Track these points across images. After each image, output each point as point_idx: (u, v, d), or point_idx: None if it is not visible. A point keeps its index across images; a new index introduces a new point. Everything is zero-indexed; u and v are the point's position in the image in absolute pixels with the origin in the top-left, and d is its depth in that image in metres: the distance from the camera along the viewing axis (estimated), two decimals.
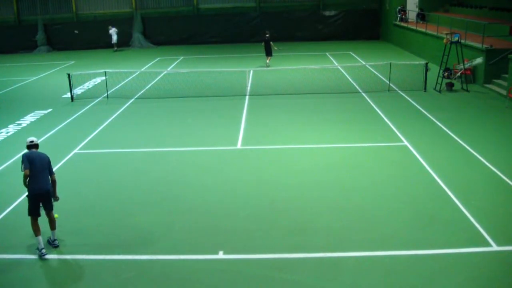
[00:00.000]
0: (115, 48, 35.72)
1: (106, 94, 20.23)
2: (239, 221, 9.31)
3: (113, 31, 35.35)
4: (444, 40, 19.99)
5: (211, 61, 29.04)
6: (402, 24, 31.72)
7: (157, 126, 15.89)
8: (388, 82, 20.27)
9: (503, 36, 21.04)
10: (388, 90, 19.67)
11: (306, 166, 11.95)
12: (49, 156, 8.64)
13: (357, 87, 20.44)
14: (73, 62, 31.35)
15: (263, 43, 25.92)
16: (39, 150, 8.63)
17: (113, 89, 21.29)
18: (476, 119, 15.68)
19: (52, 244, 8.48)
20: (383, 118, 15.82)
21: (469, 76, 20.47)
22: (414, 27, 29.15)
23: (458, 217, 9.17)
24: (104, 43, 37.44)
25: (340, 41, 36.53)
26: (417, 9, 31.53)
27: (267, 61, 25.85)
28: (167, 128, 15.67)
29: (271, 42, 25.62)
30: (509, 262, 7.75)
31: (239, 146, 13.69)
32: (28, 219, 9.59)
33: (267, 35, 25.81)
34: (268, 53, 25.68)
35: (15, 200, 10.42)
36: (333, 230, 8.85)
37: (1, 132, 15.66)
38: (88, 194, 10.75)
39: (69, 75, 19.84)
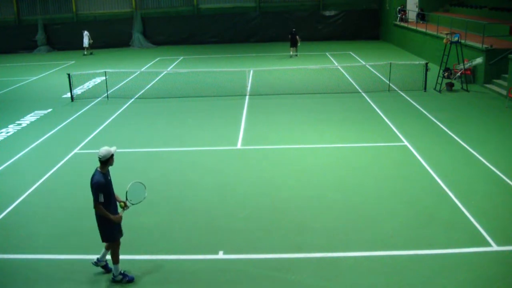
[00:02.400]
0: (85, 52, 34.38)
1: (106, 94, 20.23)
2: (239, 221, 9.30)
3: (85, 34, 34.23)
4: (444, 40, 19.99)
5: (211, 61, 29.05)
6: (402, 24, 31.72)
7: (157, 126, 15.89)
8: (388, 82, 20.27)
9: (503, 36, 21.05)
10: (388, 90, 19.67)
11: (306, 166, 11.95)
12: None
13: (357, 87, 20.44)
14: (73, 62, 31.36)
15: (290, 36, 29.91)
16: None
17: (113, 89, 21.28)
18: (476, 119, 15.68)
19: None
20: (383, 118, 15.82)
21: (469, 76, 20.47)
22: (414, 27, 29.16)
23: (458, 217, 9.17)
24: (103, 43, 37.48)
25: (340, 41, 36.55)
26: (417, 9, 31.54)
27: (291, 52, 29.99)
28: (167, 128, 15.66)
29: (297, 36, 29.59)
30: (509, 262, 7.75)
31: (239, 146, 13.69)
32: (30, 219, 9.64)
33: (294, 29, 30.29)
34: (293, 44, 29.79)
35: (15, 200, 10.43)
36: (333, 230, 8.85)
37: (1, 132, 15.66)
38: (88, 194, 10.67)
39: (69, 75, 19.84)
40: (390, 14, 34.64)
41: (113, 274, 7.51)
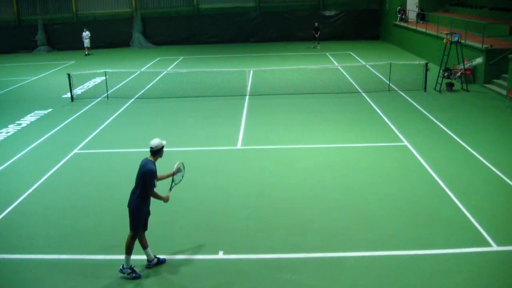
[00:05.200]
0: (87, 52, 34.09)
1: (106, 94, 20.23)
2: (239, 221, 9.31)
3: (86, 34, 33.97)
4: (444, 40, 19.98)
5: (211, 61, 29.05)
6: (402, 24, 31.72)
7: (157, 126, 15.89)
8: (388, 82, 20.27)
9: (503, 36, 21.05)
10: (388, 90, 19.67)
11: (306, 166, 11.95)
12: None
13: (357, 87, 20.44)
14: (73, 62, 31.35)
15: (313, 31, 33.37)
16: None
17: (113, 89, 21.28)
18: (476, 119, 15.68)
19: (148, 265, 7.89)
20: (383, 118, 15.82)
21: (469, 76, 20.47)
22: (414, 27, 29.16)
23: (458, 217, 9.17)
24: (103, 43, 37.47)
25: (340, 41, 36.55)
26: (417, 9, 31.54)
27: (318, 46, 33.27)
28: (167, 128, 15.67)
29: (319, 31, 33.19)
30: (509, 262, 7.75)
31: (239, 146, 13.69)
32: (30, 220, 9.64)
33: (316, 24, 33.60)
34: (316, 38, 33.31)
35: (15, 200, 10.43)
36: (333, 230, 8.85)
37: (1, 132, 15.66)
38: (88, 194, 10.75)
39: (69, 75, 19.83)
40: (390, 14, 34.63)
41: (123, 265, 7.57)
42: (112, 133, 15.30)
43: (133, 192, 7.50)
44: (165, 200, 7.70)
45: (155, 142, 7.60)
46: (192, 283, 7.45)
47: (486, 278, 7.34)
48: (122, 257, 7.73)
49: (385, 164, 11.95)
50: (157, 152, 7.60)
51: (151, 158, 7.59)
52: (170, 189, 7.86)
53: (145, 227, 7.73)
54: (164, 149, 7.83)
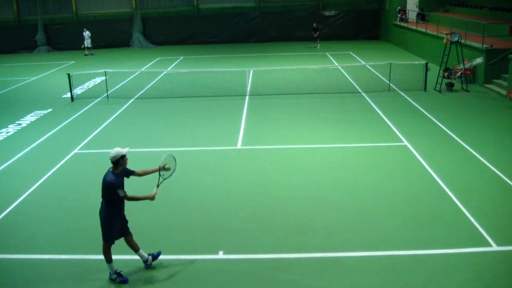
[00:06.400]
0: (86, 52, 33.98)
1: (106, 94, 20.23)
2: (239, 221, 9.31)
3: (86, 34, 33.88)
4: (444, 40, 19.98)
5: (211, 61, 29.05)
6: (402, 24, 31.72)
7: (157, 126, 15.89)
8: (388, 82, 20.27)
9: (503, 36, 21.05)
10: (388, 90, 19.67)
11: (306, 166, 11.95)
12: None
13: (357, 87, 20.44)
14: (73, 62, 31.35)
15: (312, 32, 33.83)
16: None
17: (113, 89, 21.28)
18: (476, 119, 15.68)
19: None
20: (383, 118, 15.82)
21: (469, 76, 20.47)
22: (414, 27, 29.16)
23: (458, 217, 9.17)
24: (103, 43, 37.47)
25: (340, 41, 36.55)
26: (417, 9, 31.54)
27: (318, 46, 33.45)
28: (167, 128, 15.67)
29: (318, 31, 33.62)
30: (509, 262, 7.75)
31: (239, 146, 13.69)
32: (30, 219, 9.64)
33: (314, 24, 33.98)
34: (315, 38, 33.73)
35: (15, 200, 10.43)
36: (333, 230, 8.85)
37: (1, 132, 15.66)
38: (88, 194, 10.74)
39: (69, 75, 19.84)
40: (390, 14, 34.63)
41: (110, 272, 7.53)
42: (112, 133, 15.30)
43: (101, 204, 7.34)
44: (151, 198, 7.37)
45: (113, 153, 7.12)
46: (192, 283, 7.45)
47: (486, 278, 7.34)
48: (122, 257, 7.75)
49: (385, 164, 11.95)
50: (116, 163, 7.17)
51: (112, 169, 7.22)
52: (158, 186, 7.54)
53: (124, 233, 7.56)
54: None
